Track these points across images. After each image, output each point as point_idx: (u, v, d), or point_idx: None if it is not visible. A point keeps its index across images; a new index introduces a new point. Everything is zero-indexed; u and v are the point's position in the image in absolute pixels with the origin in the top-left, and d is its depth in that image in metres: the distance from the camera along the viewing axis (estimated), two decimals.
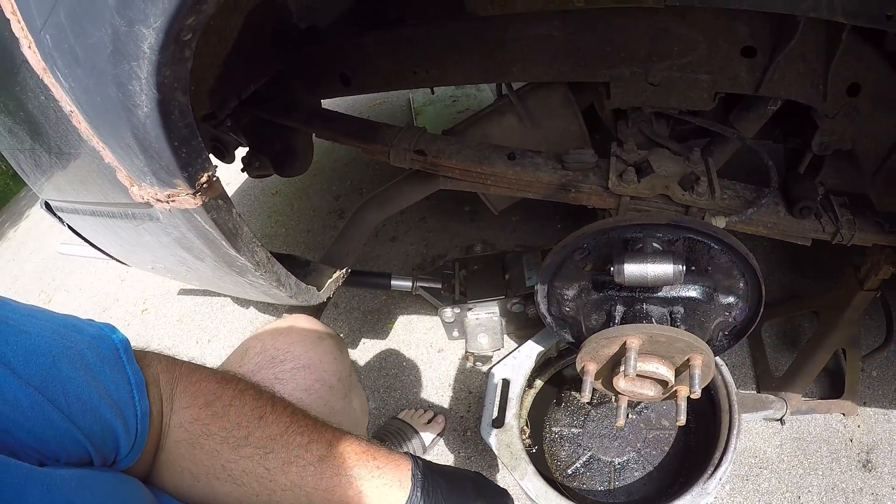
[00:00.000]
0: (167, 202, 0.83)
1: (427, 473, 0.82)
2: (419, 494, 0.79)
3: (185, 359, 0.81)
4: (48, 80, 0.75)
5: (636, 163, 1.27)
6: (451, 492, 0.83)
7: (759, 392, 1.64)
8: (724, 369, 1.35)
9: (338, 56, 1.55)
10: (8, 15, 0.73)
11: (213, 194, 0.81)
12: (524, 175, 1.31)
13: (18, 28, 0.72)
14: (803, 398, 1.54)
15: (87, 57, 0.66)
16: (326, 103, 1.84)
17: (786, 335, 1.80)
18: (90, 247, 1.51)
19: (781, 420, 1.54)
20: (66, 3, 0.64)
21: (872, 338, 1.68)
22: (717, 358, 1.33)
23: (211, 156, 1.70)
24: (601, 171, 1.30)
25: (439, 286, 1.79)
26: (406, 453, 0.84)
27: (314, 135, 1.68)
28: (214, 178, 0.81)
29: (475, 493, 0.86)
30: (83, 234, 1.42)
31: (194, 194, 0.79)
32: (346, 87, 1.61)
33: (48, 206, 1.38)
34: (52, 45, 0.69)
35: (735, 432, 1.29)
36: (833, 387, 1.63)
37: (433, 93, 2.64)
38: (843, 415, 1.57)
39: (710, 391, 1.36)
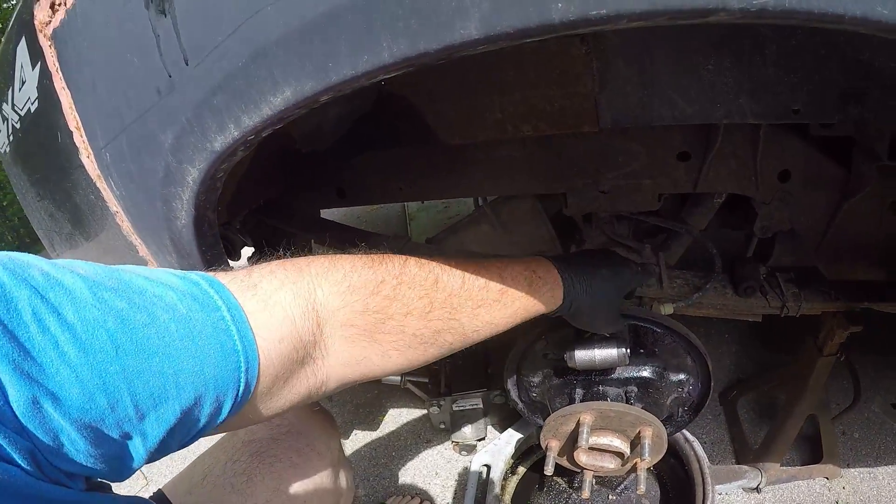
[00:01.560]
0: None
1: (566, 266, 0.94)
2: (570, 284, 0.92)
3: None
4: (101, 185, 0.93)
5: None
6: (585, 271, 0.95)
7: (737, 464, 1.70)
8: (696, 444, 1.44)
9: (334, 173, 1.74)
10: (72, 128, 0.91)
11: None
12: None
13: (80, 140, 0.90)
14: (782, 467, 1.60)
15: (141, 177, 0.84)
16: (329, 211, 2.03)
17: (761, 408, 1.87)
18: None
19: (758, 489, 1.59)
20: (130, 137, 0.81)
21: (849, 399, 1.73)
22: (688, 434, 1.43)
23: None
24: None
25: (426, 380, 1.90)
26: (542, 255, 0.95)
27: (312, 241, 1.86)
28: None
29: (599, 262, 1.00)
30: None
31: None
32: (341, 200, 1.80)
33: None
34: (110, 161, 0.87)
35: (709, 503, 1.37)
36: (814, 453, 1.68)
37: (423, 202, 2.84)
38: (827, 479, 1.62)
39: (684, 466, 1.45)
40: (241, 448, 1.01)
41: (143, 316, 0.51)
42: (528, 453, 1.67)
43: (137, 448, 0.52)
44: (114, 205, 0.94)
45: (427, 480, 1.94)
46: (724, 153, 1.30)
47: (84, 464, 0.48)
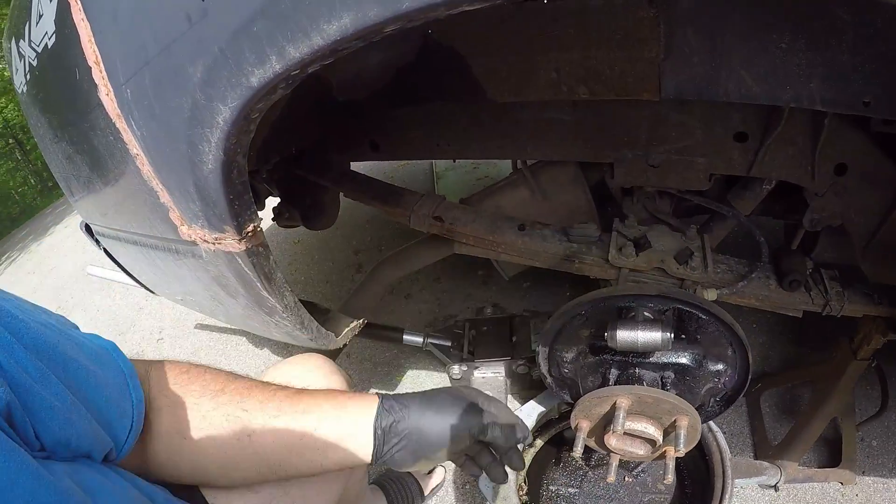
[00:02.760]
0: (213, 244, 0.93)
1: (390, 399, 0.89)
2: (391, 401, 0.87)
3: None
4: (120, 124, 0.86)
5: (635, 238, 1.37)
6: (413, 401, 0.89)
7: (756, 459, 1.66)
8: (720, 435, 1.40)
9: (370, 125, 1.69)
10: (91, 63, 0.84)
11: (257, 242, 0.92)
12: (532, 245, 1.42)
13: (99, 76, 0.84)
14: (800, 466, 1.56)
15: (165, 116, 0.77)
16: (355, 165, 1.97)
17: (784, 405, 1.82)
18: (121, 272, 1.60)
19: (775, 487, 1.55)
20: (153, 71, 0.74)
21: (872, 406, 1.69)
22: (713, 424, 1.39)
23: None
24: (603, 244, 1.39)
25: (449, 344, 1.87)
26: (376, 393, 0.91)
27: (342, 194, 1.81)
28: (259, 229, 0.91)
29: (435, 393, 0.92)
30: (118, 260, 1.52)
31: (240, 240, 0.89)
32: (374, 153, 1.75)
33: (88, 229, 1.48)
34: (131, 98, 0.80)
35: (728, 497, 1.33)
36: (832, 456, 1.64)
37: (454, 160, 2.78)
38: (841, 484, 1.58)
39: (705, 457, 1.41)
40: None
41: (68, 332, 0.70)
42: (547, 426, 1.63)
43: (74, 411, 0.62)
44: (134, 147, 0.88)
45: None
46: (783, 138, 1.23)
47: (41, 414, 0.57)
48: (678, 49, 1.04)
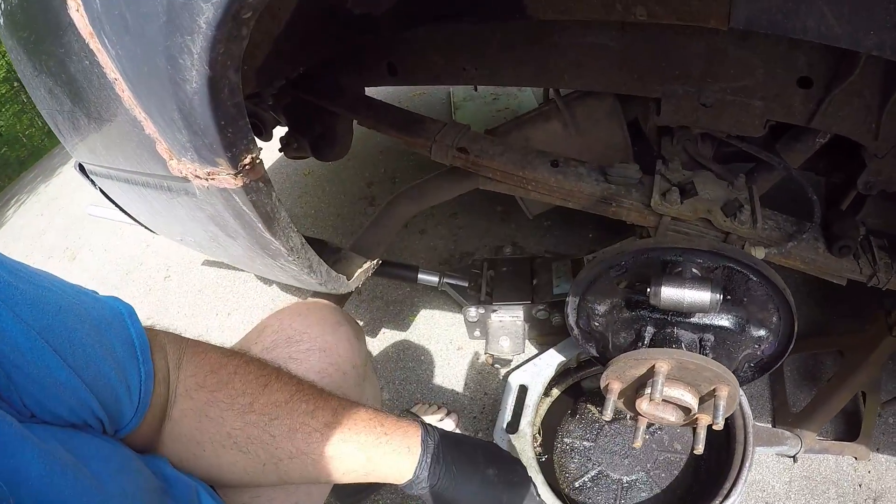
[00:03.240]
0: (206, 179, 0.82)
1: (437, 440, 0.82)
2: (428, 460, 0.79)
3: (202, 329, 0.82)
4: (94, 44, 0.74)
5: (680, 183, 1.25)
6: (461, 458, 0.82)
7: (774, 425, 1.62)
8: (744, 399, 1.33)
9: (388, 45, 1.54)
10: None
11: (255, 176, 0.80)
12: (566, 184, 1.30)
13: None
14: (818, 437, 1.52)
15: (138, 26, 0.64)
16: (368, 92, 1.84)
17: (807, 371, 1.76)
18: (119, 211, 1.52)
19: (794, 457, 1.52)
20: None
21: (893, 383, 1.65)
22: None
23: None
24: (644, 188, 1.28)
25: (466, 284, 1.80)
26: (417, 420, 0.84)
27: (355, 122, 1.68)
28: (258, 161, 0.80)
29: (486, 460, 0.85)
30: (114, 199, 1.43)
31: (236, 175, 0.78)
32: (392, 77, 1.61)
33: (81, 168, 1.38)
34: (101, 10, 0.68)
35: (748, 465, 1.27)
36: (848, 429, 1.61)
37: (476, 89, 2.63)
38: (856, 458, 1.54)
39: (727, 420, 1.35)
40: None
41: (75, 300, 0.64)
42: (564, 375, 1.57)
43: (67, 386, 0.58)
44: (111, 70, 0.75)
45: (455, 390, 1.86)
46: (851, 90, 1.11)
47: (28, 388, 0.55)
48: None
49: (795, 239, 1.21)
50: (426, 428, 0.83)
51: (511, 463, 0.88)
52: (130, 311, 0.71)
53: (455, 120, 3.05)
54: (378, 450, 0.78)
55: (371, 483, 1.56)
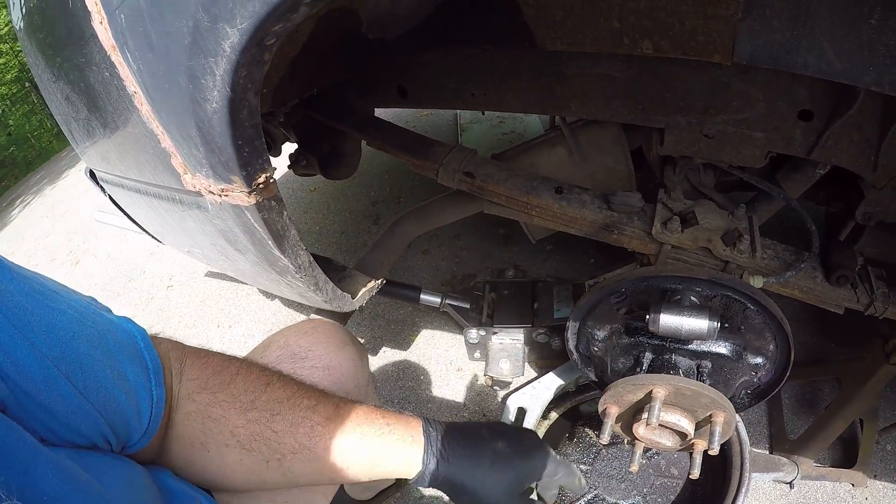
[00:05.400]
0: (219, 195, 0.83)
1: (439, 428, 0.82)
2: (435, 447, 0.79)
3: (203, 340, 0.84)
4: (116, 57, 0.75)
5: (681, 212, 1.27)
6: (467, 439, 0.82)
7: (771, 452, 1.63)
8: (741, 426, 1.33)
9: (399, 68, 1.57)
10: None
11: (268, 195, 0.82)
12: (569, 210, 1.32)
13: (92, 2, 0.72)
14: (815, 464, 1.52)
15: (162, 44, 0.65)
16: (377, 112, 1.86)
17: (805, 398, 1.77)
18: (127, 219, 1.53)
19: (791, 484, 1.51)
20: None
21: (891, 409, 1.66)
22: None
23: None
24: (646, 216, 1.30)
25: (467, 306, 1.81)
26: (416, 414, 0.84)
27: (364, 142, 1.71)
28: (272, 180, 0.81)
29: (492, 436, 0.84)
30: (123, 207, 1.44)
31: (249, 193, 0.79)
32: (401, 100, 1.64)
33: (92, 175, 1.40)
34: (125, 25, 0.69)
35: (744, 491, 1.27)
36: (846, 456, 1.61)
37: (483, 112, 2.66)
38: (853, 485, 1.54)
39: (723, 446, 1.35)
40: None
41: (90, 322, 0.64)
42: (563, 399, 1.57)
43: (79, 413, 0.59)
44: (131, 83, 0.77)
45: (453, 411, 1.87)
46: (850, 123, 1.13)
47: (39, 415, 0.55)
48: (758, 9, 0.93)
49: (794, 268, 1.23)
50: (426, 419, 0.83)
51: (519, 432, 0.88)
52: (143, 335, 0.71)
53: (461, 142, 3.10)
54: (382, 440, 0.78)
55: (382, 492, 1.57)
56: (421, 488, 1.63)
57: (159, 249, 3.03)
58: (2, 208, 5.61)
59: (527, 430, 0.90)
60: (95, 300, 0.72)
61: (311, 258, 1.02)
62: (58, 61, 0.98)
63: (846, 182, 1.34)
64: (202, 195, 0.86)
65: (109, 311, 0.72)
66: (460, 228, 2.57)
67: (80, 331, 0.61)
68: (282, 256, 0.94)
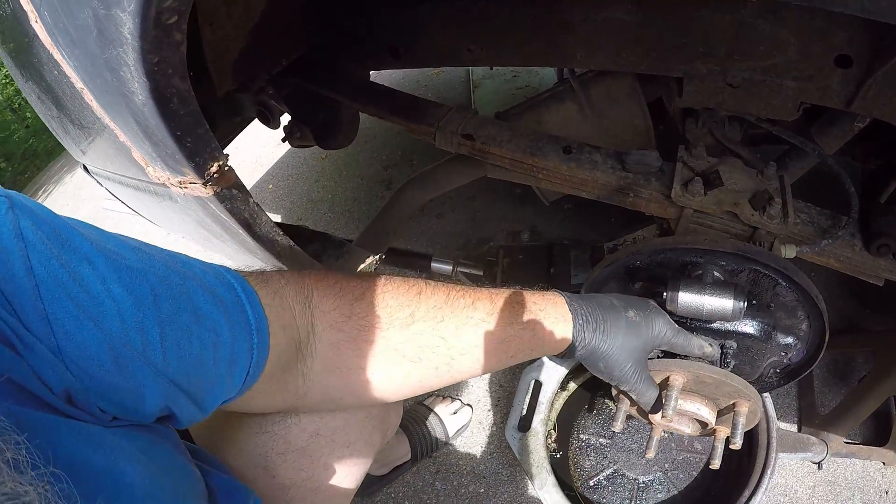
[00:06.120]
0: (180, 187, 0.79)
1: (580, 302, 0.86)
2: (581, 322, 0.83)
3: None
4: (56, 55, 0.71)
5: (704, 172, 1.15)
6: (606, 311, 0.85)
7: (800, 427, 1.55)
8: (768, 401, 1.25)
9: (388, 27, 1.46)
10: None
11: (226, 184, 0.77)
12: (579, 172, 1.22)
13: (27, 1, 0.68)
14: (845, 441, 1.46)
15: (80, 38, 0.62)
16: (382, 75, 1.76)
17: (837, 369, 1.68)
18: (127, 207, 1.50)
19: (819, 464, 1.45)
20: None
21: None
22: None
23: (256, 121, 1.66)
24: (664, 176, 1.18)
25: (480, 273, 1.75)
26: (553, 290, 0.87)
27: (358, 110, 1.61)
28: (226, 168, 0.76)
29: (623, 305, 0.87)
30: (120, 198, 1.41)
31: (204, 184, 0.75)
32: (395, 60, 1.53)
33: (85, 168, 1.39)
34: (51, 22, 0.66)
35: (769, 472, 1.20)
36: (878, 433, 1.52)
37: (492, 68, 2.53)
38: (884, 464, 1.48)
39: None
40: None
41: (177, 278, 0.57)
42: (581, 369, 1.50)
43: (155, 390, 0.53)
44: (76, 80, 0.72)
45: (470, 382, 1.81)
46: (894, 71, 0.99)
47: (108, 395, 0.50)
48: None
49: (830, 235, 1.11)
50: (568, 295, 0.86)
51: (642, 300, 0.91)
52: (245, 285, 0.65)
53: (474, 99, 2.97)
54: (540, 325, 0.81)
55: (397, 467, 1.56)
56: (439, 458, 1.60)
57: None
58: None
59: (647, 300, 0.92)
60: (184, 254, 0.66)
61: (291, 243, 0.96)
62: (21, 63, 0.95)
63: (888, 136, 1.22)
64: (168, 187, 0.83)
65: (203, 262, 0.66)
66: (474, 190, 2.47)
67: (163, 292, 0.55)
68: (256, 244, 0.89)
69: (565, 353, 0.86)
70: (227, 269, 0.66)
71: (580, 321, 0.83)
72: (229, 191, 0.78)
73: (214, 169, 0.73)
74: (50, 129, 1.18)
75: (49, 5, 0.62)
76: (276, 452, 0.80)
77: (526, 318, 0.81)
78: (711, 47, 1.12)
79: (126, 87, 0.61)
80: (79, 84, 0.73)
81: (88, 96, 0.73)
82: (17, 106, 7.95)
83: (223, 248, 1.09)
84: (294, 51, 1.33)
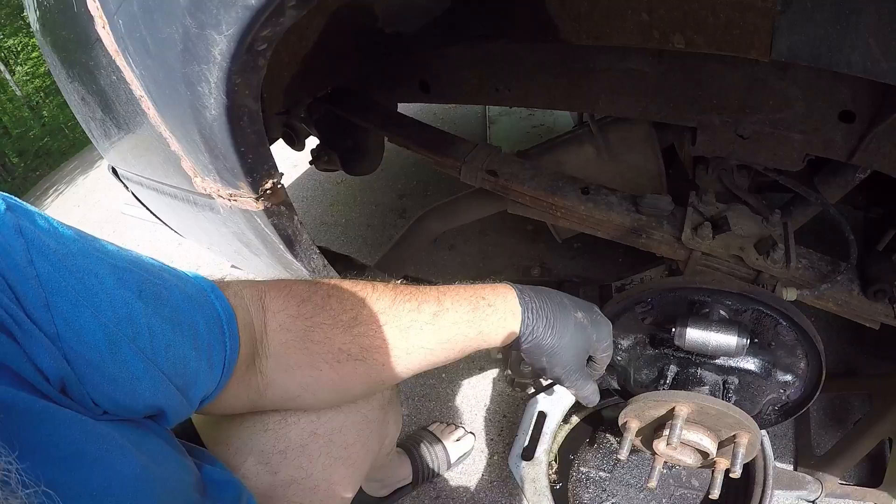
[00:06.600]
0: (228, 199, 0.83)
1: (531, 296, 0.85)
2: (529, 316, 0.83)
3: None
4: (120, 62, 0.75)
5: (713, 217, 1.21)
6: (555, 308, 0.86)
7: (796, 467, 1.57)
8: (766, 440, 1.29)
9: (420, 63, 1.53)
10: None
11: (276, 201, 0.81)
12: (596, 212, 1.28)
13: (94, 7, 0.72)
14: (840, 482, 1.46)
15: (158, 50, 0.65)
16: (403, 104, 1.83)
17: (834, 412, 1.70)
18: (150, 214, 1.54)
19: (814, 503, 1.46)
20: None
21: None
22: None
23: (280, 142, 1.73)
24: (675, 220, 1.25)
25: None
26: (505, 282, 0.88)
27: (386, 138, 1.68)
28: (279, 186, 0.80)
29: (573, 305, 0.89)
30: (146, 204, 1.45)
31: (257, 199, 0.79)
32: (424, 95, 1.60)
33: (114, 172, 1.41)
34: (124, 31, 0.68)
35: None
36: (872, 474, 1.54)
37: (511, 106, 2.61)
38: None
39: None
40: None
41: (155, 278, 0.61)
42: None
43: (146, 382, 0.56)
44: (136, 87, 0.76)
45: (474, 411, 1.83)
46: (895, 126, 1.06)
47: (102, 387, 0.52)
48: (799, 2, 0.86)
49: (829, 280, 1.17)
50: (519, 288, 0.86)
51: (588, 305, 0.93)
52: (213, 287, 0.70)
53: (490, 135, 3.05)
54: (486, 321, 0.81)
55: (398, 490, 1.57)
56: (440, 483, 1.62)
57: (186, 240, 3.05)
58: (36, 196, 5.76)
59: (593, 305, 0.94)
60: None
61: (325, 261, 1.00)
62: (71, 63, 0.98)
63: (887, 187, 1.28)
64: (213, 198, 0.86)
65: (176, 269, 0.70)
66: (487, 224, 2.52)
67: (148, 288, 0.59)
68: (294, 260, 0.93)
69: (511, 345, 0.86)
70: (195, 273, 0.71)
71: (529, 315, 0.84)
72: (278, 207, 0.82)
73: (269, 185, 0.77)
74: (86, 130, 1.21)
75: (128, 15, 0.65)
76: (278, 450, 0.82)
77: (472, 315, 0.81)
78: (725, 100, 1.18)
79: (200, 101, 0.64)
80: (138, 92, 0.76)
81: (147, 104, 0.77)
82: (35, 104, 8.05)
83: (253, 262, 1.12)
84: (337, 80, 1.40)
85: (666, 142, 1.51)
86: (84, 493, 0.46)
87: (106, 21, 0.70)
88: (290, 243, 0.88)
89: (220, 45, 0.57)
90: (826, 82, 1.09)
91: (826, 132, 1.14)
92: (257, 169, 0.74)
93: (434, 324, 0.79)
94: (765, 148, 1.21)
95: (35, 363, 0.47)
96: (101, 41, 0.74)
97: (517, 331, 0.83)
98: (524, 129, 3.07)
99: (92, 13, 0.72)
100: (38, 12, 1.01)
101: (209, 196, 0.86)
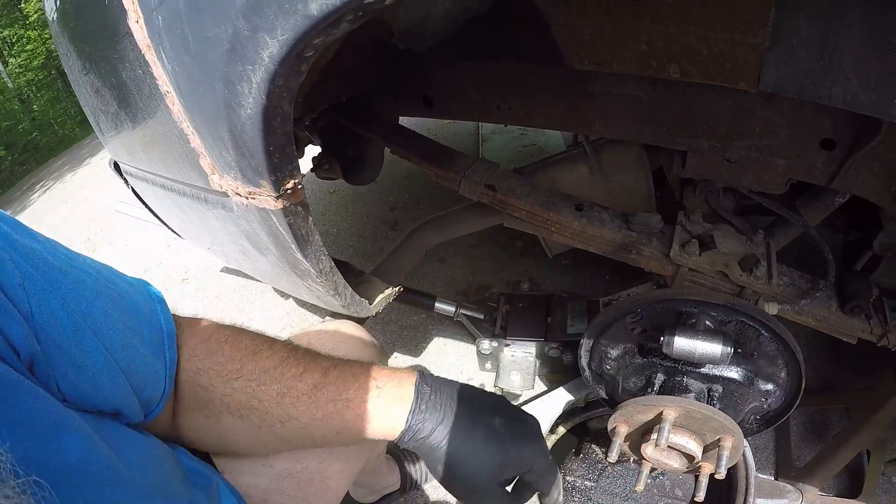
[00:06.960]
0: (246, 198, 0.84)
1: (436, 387, 0.76)
2: (424, 408, 0.74)
3: None
4: (150, 57, 0.76)
5: (700, 235, 1.28)
6: (463, 406, 0.75)
7: (777, 478, 1.62)
8: (748, 450, 1.34)
9: (425, 79, 1.59)
10: None
11: (296, 200, 0.83)
12: (589, 228, 1.33)
13: (129, 1, 0.73)
14: (819, 493, 1.52)
15: (199, 48, 0.66)
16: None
17: (813, 426, 1.76)
18: (149, 212, 1.56)
19: None
20: None
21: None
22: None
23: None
24: (664, 237, 1.31)
25: (481, 317, 1.82)
26: (414, 371, 0.79)
27: (387, 149, 1.73)
28: (300, 186, 0.82)
29: (493, 410, 0.77)
30: (146, 201, 1.47)
31: (277, 198, 0.80)
32: (426, 109, 1.66)
33: (116, 167, 1.43)
34: (162, 26, 0.69)
35: None
36: (851, 486, 1.60)
37: (505, 125, 2.68)
38: None
39: (730, 470, 1.35)
40: None
41: (108, 282, 0.65)
42: (572, 414, 1.58)
43: (107, 375, 0.59)
44: (164, 83, 0.77)
45: None
46: (872, 154, 1.13)
47: (67, 373, 0.54)
48: (786, 38, 0.93)
49: (809, 297, 1.23)
50: (423, 376, 0.77)
51: (520, 413, 0.80)
52: (160, 297, 0.72)
53: (482, 152, 3.11)
54: (369, 405, 0.74)
55: (386, 496, 1.58)
56: (428, 490, 1.65)
57: (176, 242, 3.03)
58: (22, 191, 5.70)
59: (529, 415, 0.81)
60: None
61: (333, 263, 1.03)
62: (90, 54, 1.00)
63: (865, 211, 1.34)
64: (228, 196, 0.88)
65: (125, 276, 0.73)
66: (477, 239, 2.58)
67: (104, 290, 0.62)
68: (304, 260, 0.95)
69: (401, 441, 0.75)
70: (144, 280, 0.74)
71: (422, 407, 0.74)
72: (296, 207, 0.83)
73: (290, 185, 0.79)
74: (93, 122, 1.22)
75: (171, 10, 0.66)
76: None
77: (352, 395, 0.74)
78: (714, 127, 1.25)
79: (236, 99, 0.66)
80: (165, 87, 0.77)
81: (172, 99, 0.78)
82: (26, 97, 7.96)
83: (257, 262, 1.14)
84: (352, 91, 1.44)
85: (656, 164, 1.57)
86: (60, 469, 0.46)
87: (141, 16, 0.72)
88: (302, 243, 0.90)
89: (272, 48, 0.59)
90: (809, 112, 1.16)
91: (808, 158, 1.21)
92: (282, 168, 0.76)
93: (311, 396, 0.73)
94: (750, 172, 1.28)
95: (7, 337, 0.48)
96: (130, 35, 0.76)
97: (403, 419, 0.73)
98: (516, 147, 3.14)
99: (126, 7, 0.73)
100: (57, 2, 1.04)
101: (224, 194, 0.88)
